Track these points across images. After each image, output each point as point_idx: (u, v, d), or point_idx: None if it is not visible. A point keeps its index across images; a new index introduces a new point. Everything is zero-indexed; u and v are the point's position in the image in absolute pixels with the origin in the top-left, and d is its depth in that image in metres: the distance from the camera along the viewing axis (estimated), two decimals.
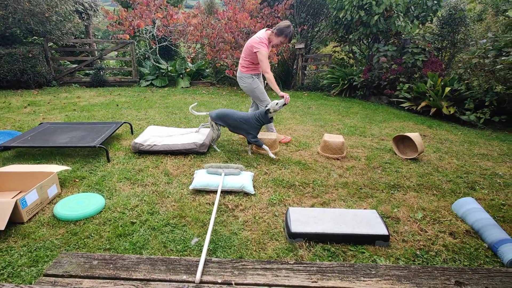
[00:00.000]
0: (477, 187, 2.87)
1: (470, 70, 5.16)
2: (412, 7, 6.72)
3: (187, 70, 9.35)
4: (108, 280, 1.54)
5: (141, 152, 3.48)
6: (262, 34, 3.62)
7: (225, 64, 8.19)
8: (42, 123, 4.09)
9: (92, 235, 2.13)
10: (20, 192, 2.62)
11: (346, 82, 7.27)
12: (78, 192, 2.67)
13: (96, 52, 9.38)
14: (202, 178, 2.75)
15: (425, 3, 6.58)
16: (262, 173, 3.11)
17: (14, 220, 2.19)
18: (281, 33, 3.54)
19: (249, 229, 2.24)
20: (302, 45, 8.55)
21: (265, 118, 3.38)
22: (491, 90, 4.80)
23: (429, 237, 2.14)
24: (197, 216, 2.34)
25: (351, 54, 8.59)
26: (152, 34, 8.95)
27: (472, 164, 3.43)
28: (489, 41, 5.00)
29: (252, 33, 8.08)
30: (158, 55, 9.30)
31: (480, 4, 10.35)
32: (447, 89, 5.29)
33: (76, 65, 9.07)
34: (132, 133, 4.23)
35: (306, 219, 2.20)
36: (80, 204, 2.41)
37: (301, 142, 4.01)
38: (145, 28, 8.76)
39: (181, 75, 9.11)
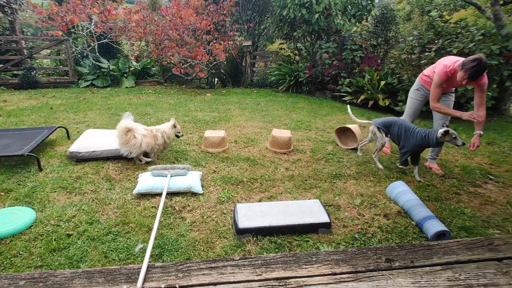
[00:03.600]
0: (407, 171, 3.17)
1: (400, 65, 5.66)
2: (349, 6, 7.15)
3: (132, 69, 8.88)
4: None
5: (79, 160, 3.22)
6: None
7: (172, 62, 7.93)
8: None
9: (21, 252, 1.93)
10: None
11: (292, 78, 7.50)
12: (4, 207, 2.39)
13: (25, 50, 8.44)
14: (146, 181, 2.64)
15: (360, 3, 7.04)
16: (211, 172, 3.08)
17: None
18: (461, 67, 2.66)
19: (197, 229, 2.21)
20: (249, 43, 8.62)
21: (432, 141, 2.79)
22: None
23: (366, 221, 2.32)
24: (142, 221, 2.25)
25: (296, 51, 8.88)
26: (90, 31, 8.31)
27: None
28: (415, 38, 5.53)
29: (199, 30, 7.94)
30: (97, 53, 8.67)
31: (409, 4, 11.38)
32: (382, 82, 5.74)
33: (1, 65, 8.07)
34: (68, 138, 3.90)
35: (253, 214, 2.23)
36: (5, 220, 2.16)
37: (250, 138, 4.06)
38: (81, 24, 8.10)
39: (125, 74, 8.62)
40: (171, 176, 2.71)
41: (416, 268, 1.61)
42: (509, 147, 4.10)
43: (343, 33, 7.19)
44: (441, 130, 2.70)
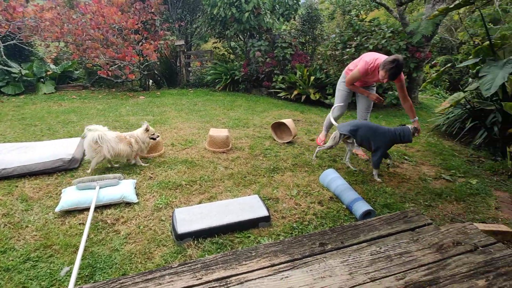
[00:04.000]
0: (337, 159, 3.42)
1: (326, 61, 6.06)
2: (277, 5, 7.41)
3: (49, 73, 7.92)
4: None
5: None
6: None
7: (97, 64, 7.30)
8: None
9: None
10: None
11: (228, 77, 7.51)
12: None
13: None
14: (71, 196, 2.38)
15: (287, 2, 7.35)
16: (146, 178, 2.92)
17: None
18: (382, 67, 2.85)
19: (133, 241, 2.08)
20: (182, 42, 8.38)
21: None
22: None
23: (302, 210, 2.44)
24: (68, 241, 2.03)
25: (230, 50, 8.91)
26: None
27: None
28: (337, 36, 5.98)
29: (126, 29, 7.44)
30: (4, 57, 7.54)
31: (331, 4, 12.24)
32: (312, 78, 6.10)
33: None
34: None
35: (193, 217, 2.18)
36: None
37: (187, 140, 3.95)
38: None
39: (41, 80, 7.67)
40: (100, 188, 2.49)
41: (346, 248, 1.75)
42: None
43: (273, 31, 7.43)
44: (411, 126, 2.96)
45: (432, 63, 8.50)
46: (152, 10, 7.94)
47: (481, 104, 3.71)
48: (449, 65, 6.98)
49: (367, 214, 2.30)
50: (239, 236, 2.13)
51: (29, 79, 7.49)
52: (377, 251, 1.51)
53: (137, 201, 2.51)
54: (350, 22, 6.00)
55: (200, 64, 9.84)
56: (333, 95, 6.04)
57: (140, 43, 7.84)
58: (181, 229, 2.06)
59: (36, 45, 8.93)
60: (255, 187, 2.77)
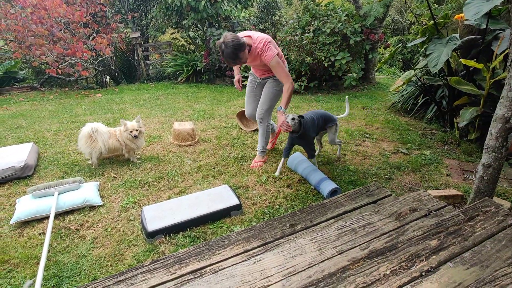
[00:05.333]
0: None
1: (287, 47, 6.11)
2: None
3: None
4: None
5: None
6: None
7: (45, 62, 6.75)
8: None
9: None
10: None
11: (190, 68, 7.33)
12: None
13: None
14: (27, 206, 2.22)
15: None
16: (111, 179, 2.80)
17: None
18: None
19: (101, 244, 2.00)
20: (137, 34, 7.98)
21: None
22: (304, 62, 5.86)
23: (272, 194, 2.49)
24: (28, 253, 1.91)
25: (190, 40, 8.66)
26: None
27: None
28: (295, 21, 6.02)
29: (74, 23, 6.92)
30: None
31: None
32: None
33: None
34: None
35: (163, 213, 2.14)
36: None
37: (151, 136, 3.83)
38: None
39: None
40: (59, 194, 2.35)
41: (315, 226, 1.82)
42: (378, 109, 4.94)
43: (232, 19, 7.31)
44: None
45: (386, 44, 8.90)
46: (101, 1, 7.45)
47: (430, 81, 3.97)
48: (400, 45, 7.36)
49: (333, 192, 2.40)
50: (211, 227, 2.13)
51: None
52: (343, 226, 1.59)
53: (101, 203, 2.41)
54: (307, 7, 6.07)
55: (159, 56, 9.46)
56: (296, 80, 6.13)
57: (91, 37, 7.36)
58: (151, 226, 2.02)
59: None
60: (225, 177, 2.77)
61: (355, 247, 1.43)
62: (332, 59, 5.53)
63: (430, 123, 4.14)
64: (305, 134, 2.61)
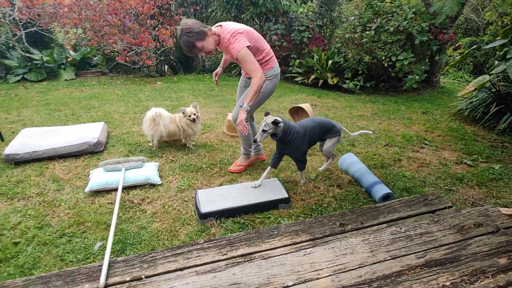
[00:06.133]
0: (356, 144, 3.41)
1: (345, 44, 5.93)
2: None
3: (69, 59, 8.11)
4: None
5: (19, 162, 2.94)
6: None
7: (115, 50, 7.41)
8: None
9: None
10: None
11: None
12: None
13: None
14: (99, 177, 2.51)
15: None
16: (168, 161, 3.02)
17: None
18: None
19: (159, 220, 2.18)
20: None
21: None
22: (362, 61, 5.65)
23: (321, 192, 2.47)
24: (99, 219, 2.16)
25: None
26: (13, 18, 7.37)
27: (353, 125, 4.04)
28: (356, 18, 5.81)
29: (142, 14, 7.47)
30: (26, 44, 7.76)
31: None
32: (330, 62, 5.99)
33: None
34: (2, 140, 3.51)
35: (215, 198, 2.26)
36: None
37: (206, 124, 4.02)
38: (1, 11, 7.15)
39: (62, 66, 7.87)
40: (125, 170, 2.61)
41: (366, 228, 1.79)
42: (440, 115, 4.59)
43: (290, 14, 7.28)
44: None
45: (456, 45, 8.15)
46: None
47: (508, 88, 3.58)
48: (474, 47, 6.70)
49: (385, 197, 2.32)
50: (259, 216, 2.19)
51: (50, 65, 7.70)
52: (397, 231, 1.55)
53: (160, 182, 2.61)
54: (370, 4, 5.80)
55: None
56: (351, 79, 5.94)
57: (156, 29, 7.88)
58: (204, 209, 2.14)
59: (56, 32, 9.12)
60: (274, 171, 2.82)
61: (410, 254, 1.38)
62: (393, 59, 5.24)
63: (502, 135, 3.74)
64: (290, 143, 2.31)
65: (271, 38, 6.98)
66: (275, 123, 2.19)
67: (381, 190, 2.32)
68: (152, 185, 2.58)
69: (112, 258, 1.69)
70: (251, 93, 2.28)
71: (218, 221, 2.13)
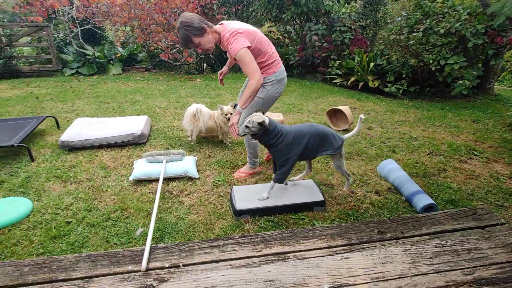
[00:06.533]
0: (397, 150, 3.27)
1: (389, 46, 5.70)
2: None
3: (118, 55, 8.64)
4: (43, 285, 1.44)
5: (72, 149, 3.20)
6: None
7: (159, 47, 7.76)
8: None
9: (21, 241, 1.94)
10: None
11: (283, 61, 7.46)
12: None
13: (3, 38, 8.09)
14: (142, 167, 2.65)
15: None
16: (206, 156, 3.11)
17: None
18: None
19: (196, 212, 2.26)
20: None
21: None
22: (406, 64, 5.39)
23: (358, 198, 2.41)
24: (140, 207, 2.28)
25: (286, 34, 8.79)
26: (71, 16, 8.01)
27: (393, 130, 3.88)
28: (403, 19, 5.55)
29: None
30: (81, 40, 8.40)
31: None
32: (372, 64, 5.79)
33: None
34: (58, 128, 3.84)
35: (250, 196, 2.29)
36: (1, 210, 2.16)
37: None
38: (62, 9, 7.80)
39: (111, 61, 8.41)
40: (166, 162, 2.73)
41: (406, 238, 1.72)
42: (493, 124, 4.24)
43: (332, 14, 7.14)
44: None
45: None
46: None
47: None
48: None
49: (428, 208, 2.20)
50: (293, 217, 2.19)
51: (100, 60, 8.26)
52: (442, 244, 1.46)
53: (198, 176, 2.70)
54: (419, 4, 5.51)
55: None
56: (394, 82, 5.69)
57: None
58: (239, 205, 2.18)
59: (107, 29, 9.76)
60: (310, 173, 2.79)
61: (457, 269, 1.30)
62: (442, 63, 4.93)
63: None
64: (274, 147, 2.09)
65: (311, 38, 6.90)
66: (261, 124, 2.01)
67: (423, 200, 2.21)
68: (190, 178, 2.68)
69: (152, 244, 1.79)
70: (246, 94, 2.20)
71: (252, 218, 2.16)
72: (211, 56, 9.11)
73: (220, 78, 2.82)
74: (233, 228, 2.09)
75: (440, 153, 3.21)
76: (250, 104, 2.34)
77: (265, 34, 7.74)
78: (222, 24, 2.34)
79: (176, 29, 2.34)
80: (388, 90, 5.65)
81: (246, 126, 2.04)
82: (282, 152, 2.09)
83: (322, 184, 2.59)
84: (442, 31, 4.93)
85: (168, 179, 2.64)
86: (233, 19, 8.98)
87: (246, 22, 8.89)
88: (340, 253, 1.50)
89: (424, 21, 5.33)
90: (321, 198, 2.25)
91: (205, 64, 9.40)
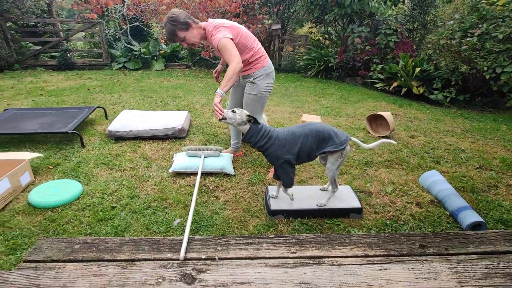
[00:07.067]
0: (442, 161, 3.09)
1: (438, 51, 5.38)
2: None
3: (161, 52, 9.04)
4: (92, 263, 1.56)
5: (118, 139, 3.41)
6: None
7: (200, 45, 7.99)
8: (7, 109, 3.87)
9: (72, 220, 2.11)
10: None
11: (322, 63, 7.35)
12: (53, 179, 2.61)
13: (61, 32, 8.80)
14: (181, 161, 2.76)
15: None
16: (242, 155, 3.15)
17: None
18: None
19: (230, 208, 2.30)
20: (278, 26, 8.47)
21: None
22: (456, 70, 5.05)
23: (398, 208, 2.31)
24: (179, 198, 2.38)
25: (326, 35, 8.64)
26: (122, 14, 8.52)
27: (438, 140, 3.66)
28: (456, 22, 5.21)
29: (228, 13, 7.91)
30: (129, 36, 8.90)
31: None
32: (417, 69, 5.50)
33: (40, 47, 8.51)
34: (106, 118, 4.11)
35: (284, 196, 2.28)
36: (56, 191, 2.36)
37: (279, 123, 4.08)
38: (114, 7, 8.32)
39: (155, 57, 8.81)
40: (204, 157, 2.81)
41: (451, 256, 1.62)
42: None
43: (377, 16, 6.89)
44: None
45: None
46: None
47: None
48: None
49: (475, 226, 2.06)
50: (328, 222, 2.15)
51: (145, 56, 8.69)
52: (493, 266, 1.36)
53: (234, 173, 2.75)
54: (475, 6, 5.14)
55: (292, 49, 9.85)
56: (441, 90, 5.37)
57: None
58: (274, 206, 2.19)
59: (153, 27, 10.23)
60: (346, 178, 2.73)
61: None
62: (498, 70, 4.55)
63: None
64: (266, 151, 2.00)
65: (353, 40, 6.72)
66: (249, 119, 1.96)
67: (471, 216, 2.06)
68: (226, 175, 2.73)
69: (190, 235, 1.85)
70: (226, 77, 2.24)
71: (286, 219, 2.16)
72: None
73: (215, 76, 2.93)
74: (266, 227, 2.10)
75: (491, 168, 2.98)
76: (246, 102, 2.61)
77: (305, 35, 7.69)
78: (207, 20, 2.45)
79: (163, 24, 2.51)
80: (434, 97, 5.34)
81: (233, 111, 1.99)
82: (276, 155, 1.99)
83: (359, 191, 2.52)
84: (500, 36, 4.56)
85: (205, 174, 2.72)
86: (274, 20, 9.02)
87: (287, 23, 8.87)
88: (379, 264, 1.45)
89: (480, 25, 4.96)
90: (358, 205, 2.19)
91: None
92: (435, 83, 5.44)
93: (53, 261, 1.56)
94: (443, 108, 5.18)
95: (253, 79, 2.56)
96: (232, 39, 2.31)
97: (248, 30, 2.54)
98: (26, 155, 2.64)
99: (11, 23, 8.09)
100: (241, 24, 2.66)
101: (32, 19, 8.31)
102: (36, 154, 2.72)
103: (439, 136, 3.81)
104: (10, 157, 2.57)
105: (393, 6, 7.09)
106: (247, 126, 1.98)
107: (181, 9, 2.57)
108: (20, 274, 1.31)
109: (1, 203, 2.20)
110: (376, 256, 1.59)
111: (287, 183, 2.08)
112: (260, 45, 2.59)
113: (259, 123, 1.99)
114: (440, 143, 3.57)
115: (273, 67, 2.67)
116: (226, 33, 2.30)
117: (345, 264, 1.46)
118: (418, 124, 4.26)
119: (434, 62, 5.54)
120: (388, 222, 2.16)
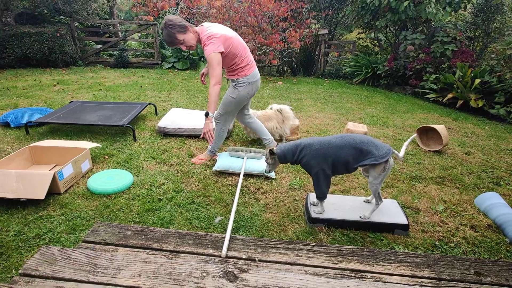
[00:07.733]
0: (502, 183, 2.82)
1: (503, 62, 4.93)
2: None
3: None
4: (141, 250, 1.66)
5: (166, 134, 3.60)
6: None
7: None
8: (72, 101, 4.27)
9: (123, 208, 2.27)
10: (55, 165, 2.80)
11: (369, 70, 7.10)
12: (108, 168, 2.82)
13: (119, 33, 9.52)
14: (225, 160, 2.83)
15: None
16: None
17: (52, 191, 2.35)
18: None
19: (270, 211, 2.31)
20: (326, 31, 8.36)
21: None
22: None
23: (449, 229, 2.15)
24: (220, 197, 2.44)
25: (376, 42, 8.33)
26: None
27: (498, 159, 3.35)
28: None
29: (276, 17, 7.97)
30: None
31: None
32: (477, 81, 5.09)
33: (101, 45, 9.27)
34: (156, 114, 4.36)
35: (326, 205, 2.24)
36: (111, 179, 2.55)
37: (322, 129, 4.02)
38: (169, 10, 8.79)
39: (202, 59, 9.15)
40: (247, 159, 2.86)
41: None
42: None
43: (433, 23, 6.50)
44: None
45: None
46: None
47: None
48: None
49: None
50: (371, 235, 2.07)
51: (193, 57, 9.06)
52: None
53: (275, 177, 2.76)
54: None
55: (337, 54, 9.65)
56: (504, 104, 4.91)
57: (286, 31, 8.27)
58: (315, 214, 2.16)
59: None
60: (392, 191, 2.61)
61: None
62: None
63: None
64: (300, 161, 2.05)
65: (405, 48, 6.41)
66: (271, 153, 2.10)
67: None
68: (267, 178, 2.75)
69: (231, 234, 1.90)
70: (211, 100, 2.48)
71: (326, 228, 2.12)
72: (293, 59, 9.19)
73: (202, 79, 3.01)
74: (306, 234, 2.08)
75: None
76: (224, 101, 2.77)
77: (353, 41, 7.51)
78: (202, 26, 2.55)
79: (160, 30, 2.71)
80: (495, 112, 4.89)
81: (267, 163, 2.15)
82: (310, 165, 2.00)
83: (406, 207, 2.39)
84: None
85: (246, 175, 2.76)
86: (321, 24, 8.91)
87: (335, 28, 8.72)
88: (427, 286, 1.37)
89: None
90: (405, 221, 2.08)
91: (286, 67, 9.52)
92: (497, 96, 4.98)
93: (107, 244, 1.69)
94: (505, 124, 4.73)
95: (235, 84, 2.72)
96: (222, 52, 2.48)
97: (240, 38, 2.69)
98: (87, 145, 2.89)
99: (78, 23, 8.92)
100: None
101: (96, 20, 9.08)
102: (95, 144, 2.96)
103: (500, 155, 3.48)
104: (73, 145, 2.83)
105: (453, 13, 6.63)
106: (276, 157, 2.12)
107: (175, 15, 2.89)
108: (82, 252, 1.44)
109: (65, 186, 2.43)
110: (425, 278, 1.50)
111: (318, 195, 2.09)
112: (248, 54, 2.73)
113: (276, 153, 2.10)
114: (501, 163, 3.26)
115: (259, 76, 2.80)
116: (217, 47, 2.44)
117: (390, 282, 1.40)
118: (475, 140, 3.94)
119: (498, 73, 5.08)
120: (437, 243, 2.02)
